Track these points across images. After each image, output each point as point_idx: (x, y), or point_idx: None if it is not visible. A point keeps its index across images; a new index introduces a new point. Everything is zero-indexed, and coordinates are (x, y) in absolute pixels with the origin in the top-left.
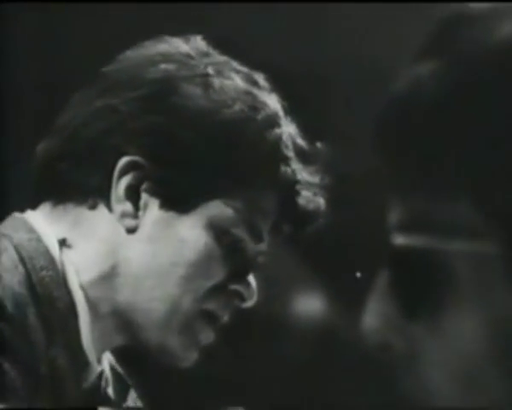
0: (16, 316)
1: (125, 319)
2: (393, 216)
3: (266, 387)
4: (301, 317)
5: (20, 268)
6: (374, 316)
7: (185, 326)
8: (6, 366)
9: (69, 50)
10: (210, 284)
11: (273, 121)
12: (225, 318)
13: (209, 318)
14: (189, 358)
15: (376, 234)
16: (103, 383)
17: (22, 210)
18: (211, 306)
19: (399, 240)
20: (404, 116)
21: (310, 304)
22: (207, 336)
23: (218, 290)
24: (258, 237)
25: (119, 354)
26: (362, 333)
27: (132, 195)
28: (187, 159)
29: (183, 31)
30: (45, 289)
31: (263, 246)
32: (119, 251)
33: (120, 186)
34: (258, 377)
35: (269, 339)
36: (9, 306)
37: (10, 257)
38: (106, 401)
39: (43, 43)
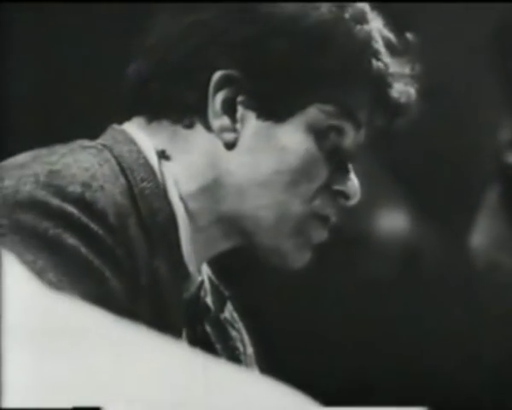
0: (118, 226)
1: (235, 226)
2: (505, 133)
3: (351, 302)
4: (387, 234)
5: (122, 179)
6: (483, 234)
7: (297, 229)
8: (108, 274)
9: (69, 50)
10: (314, 186)
11: (361, 17)
12: (333, 218)
13: (318, 218)
14: (303, 258)
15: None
16: (202, 293)
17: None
18: (318, 207)
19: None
20: None
21: (397, 222)
22: (320, 234)
23: (323, 191)
24: (357, 123)
25: (216, 265)
26: (470, 252)
27: (229, 108)
28: (280, 67)
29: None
30: (146, 201)
31: (361, 135)
32: (219, 164)
33: (217, 101)
34: (343, 292)
35: (353, 256)
36: (111, 216)
37: (111, 168)
38: (205, 310)
39: (43, 42)
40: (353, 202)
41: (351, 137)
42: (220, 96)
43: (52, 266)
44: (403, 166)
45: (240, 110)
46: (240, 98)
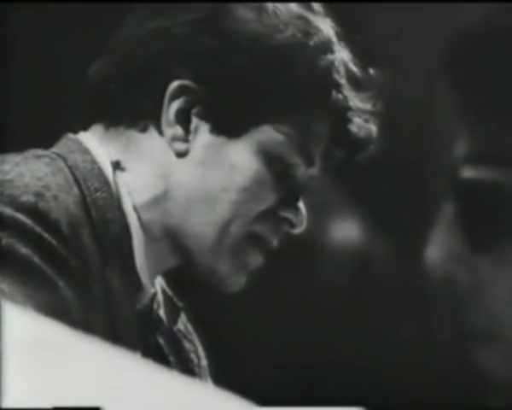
0: (71, 235)
1: (177, 243)
2: (460, 148)
3: (303, 312)
4: (340, 243)
5: (75, 189)
6: (438, 248)
7: (235, 249)
8: (61, 284)
9: (69, 50)
10: (260, 208)
11: (325, 47)
12: (274, 242)
13: (257, 241)
14: (238, 282)
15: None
16: (155, 305)
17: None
18: (260, 229)
19: (467, 173)
20: (477, 45)
21: (349, 230)
22: (256, 259)
23: (268, 215)
24: (309, 161)
25: (169, 277)
26: (425, 264)
27: (183, 118)
28: (238, 83)
29: None
30: (99, 211)
31: (314, 170)
32: (170, 175)
33: (171, 110)
34: (298, 300)
35: (307, 264)
36: (64, 225)
37: (65, 178)
38: (158, 322)
39: (43, 42)
40: (298, 230)
41: (302, 171)
42: (175, 106)
43: (5, 277)
44: (359, 179)
45: (194, 122)
46: (195, 110)
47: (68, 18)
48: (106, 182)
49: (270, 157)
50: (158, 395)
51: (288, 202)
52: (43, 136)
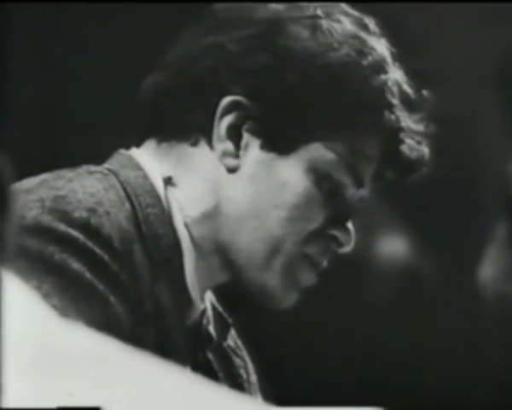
0: (122, 251)
1: (227, 258)
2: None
3: (352, 328)
4: (386, 259)
5: (127, 205)
6: (492, 266)
7: (286, 267)
8: (112, 299)
9: (69, 50)
10: (310, 227)
11: (379, 67)
12: (324, 262)
13: (309, 261)
14: (289, 299)
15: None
16: (205, 320)
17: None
18: (311, 250)
19: None
20: None
21: (395, 246)
22: (308, 277)
23: (318, 234)
24: (359, 182)
25: (219, 292)
26: (477, 282)
27: (234, 134)
28: (290, 100)
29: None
30: (151, 227)
31: (364, 192)
32: (220, 190)
33: (222, 125)
34: (347, 318)
35: (356, 281)
36: (116, 241)
37: (117, 194)
38: (207, 338)
39: (43, 42)
40: (346, 250)
41: (351, 191)
42: (226, 121)
43: (57, 291)
44: (408, 196)
45: (245, 138)
46: (246, 126)
47: (121, 30)
48: (157, 198)
49: (320, 175)
50: None
51: (337, 221)
52: (97, 152)
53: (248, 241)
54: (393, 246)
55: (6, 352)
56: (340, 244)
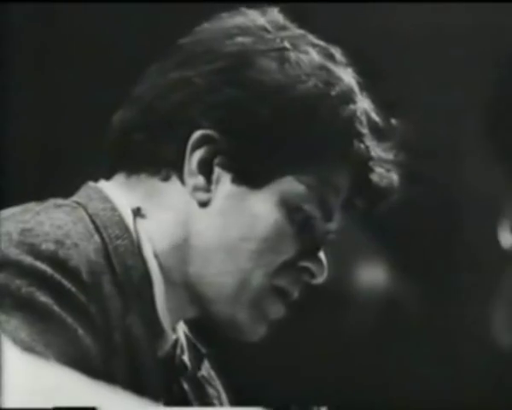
0: (91, 283)
1: (196, 292)
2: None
3: (331, 357)
4: (365, 288)
5: (96, 237)
6: (504, 316)
7: (255, 301)
8: (81, 332)
9: (69, 50)
10: (281, 259)
11: (347, 97)
12: (295, 294)
13: (279, 293)
14: (258, 332)
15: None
16: (178, 350)
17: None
18: (281, 282)
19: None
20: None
21: (374, 275)
22: (277, 310)
23: (289, 266)
24: (328, 216)
25: (192, 323)
26: (493, 332)
27: (205, 168)
28: (260, 133)
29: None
30: (120, 258)
31: (333, 225)
32: (190, 223)
33: (193, 159)
34: (324, 347)
35: (333, 309)
36: (84, 273)
37: (85, 226)
38: (182, 368)
39: (43, 42)
40: (319, 281)
41: (321, 224)
42: (197, 155)
43: (25, 325)
44: (386, 224)
45: (216, 172)
46: (217, 160)
47: (92, 64)
48: (126, 229)
49: (291, 208)
50: None
51: (309, 252)
52: (64, 185)
53: (217, 274)
54: (369, 275)
55: None
56: (313, 275)
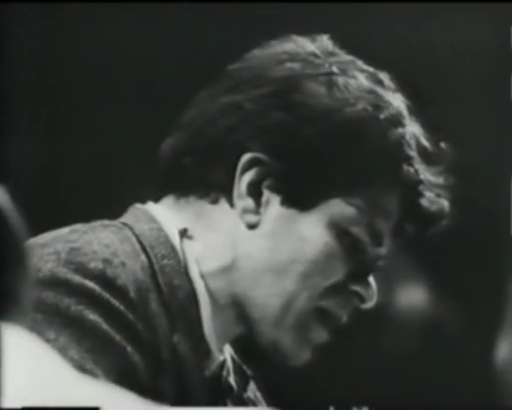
0: (138, 301)
1: (242, 311)
2: None
3: (372, 380)
4: (406, 310)
5: (142, 257)
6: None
7: (299, 324)
8: (129, 349)
9: (69, 50)
10: (328, 282)
11: (396, 121)
12: (344, 318)
13: (324, 316)
14: (301, 356)
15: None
16: (225, 372)
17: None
18: (328, 304)
19: None
20: None
21: (415, 297)
22: (320, 335)
23: (338, 290)
24: (378, 241)
25: (237, 345)
26: (496, 366)
27: (254, 191)
28: (309, 156)
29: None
30: (166, 278)
31: (383, 250)
32: (239, 245)
33: (243, 182)
34: (364, 370)
35: (374, 332)
36: (132, 291)
37: (132, 246)
38: (228, 390)
39: (43, 42)
40: (368, 305)
41: (371, 250)
42: (247, 178)
43: (74, 343)
44: (430, 247)
45: (265, 194)
46: (266, 182)
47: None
48: (173, 249)
49: (340, 231)
50: None
51: (358, 276)
52: (113, 208)
53: (264, 295)
54: (413, 297)
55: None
56: (363, 300)
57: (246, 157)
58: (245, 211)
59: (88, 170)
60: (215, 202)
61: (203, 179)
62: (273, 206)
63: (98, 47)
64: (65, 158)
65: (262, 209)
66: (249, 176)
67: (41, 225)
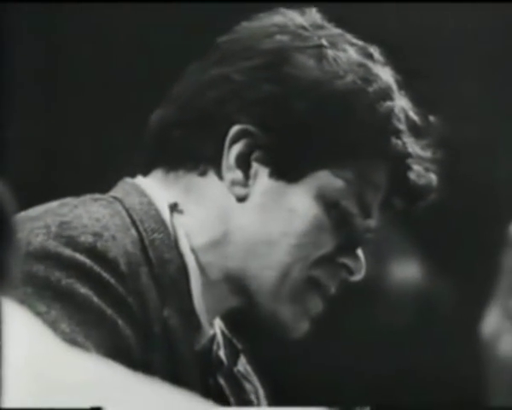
0: (129, 274)
1: (239, 284)
2: None
3: (364, 355)
4: (399, 284)
5: (133, 230)
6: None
7: (295, 294)
8: (120, 323)
9: (69, 50)
10: (319, 253)
11: (385, 94)
12: (332, 289)
13: (316, 285)
14: (300, 328)
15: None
16: (215, 346)
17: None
18: (319, 274)
19: None
20: None
21: (407, 272)
22: (316, 304)
23: (327, 261)
24: (367, 213)
25: (228, 319)
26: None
27: (243, 163)
28: (297, 128)
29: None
30: (157, 251)
31: (372, 222)
32: (229, 218)
33: (231, 154)
34: (356, 343)
35: (366, 308)
36: (123, 264)
37: (122, 219)
38: (218, 363)
39: (43, 42)
40: (357, 278)
41: (359, 221)
42: (235, 150)
43: (65, 317)
44: (421, 221)
45: (254, 166)
46: (255, 154)
47: (131, 64)
48: (163, 223)
49: (329, 203)
50: None
51: (347, 248)
52: (102, 181)
53: (258, 267)
54: (405, 272)
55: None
56: (351, 272)
57: (234, 129)
58: (234, 183)
59: (81, 146)
60: (204, 174)
61: (192, 151)
62: (262, 178)
63: (95, 37)
64: (60, 136)
65: (251, 182)
66: (238, 148)
67: (34, 198)
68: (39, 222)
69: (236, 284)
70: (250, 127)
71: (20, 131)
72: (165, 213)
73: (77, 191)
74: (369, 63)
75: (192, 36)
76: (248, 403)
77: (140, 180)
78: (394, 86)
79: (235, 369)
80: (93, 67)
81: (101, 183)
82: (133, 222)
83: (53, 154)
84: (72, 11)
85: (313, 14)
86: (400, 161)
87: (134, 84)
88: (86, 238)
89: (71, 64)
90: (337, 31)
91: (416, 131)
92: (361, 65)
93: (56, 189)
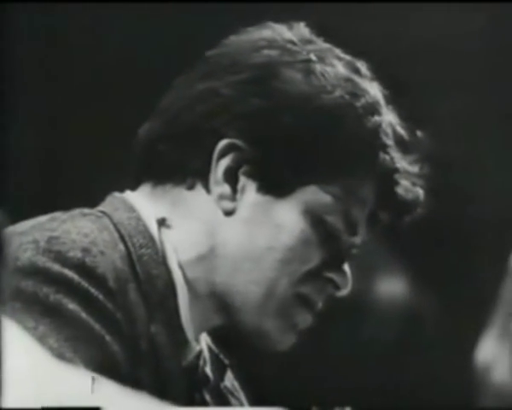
0: (117, 290)
1: (223, 301)
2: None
3: (351, 369)
4: (384, 300)
5: (121, 246)
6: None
7: (281, 310)
8: (108, 338)
9: (69, 50)
10: (305, 268)
11: (373, 109)
12: (319, 304)
13: (303, 301)
14: (286, 341)
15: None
16: (201, 362)
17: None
18: (305, 290)
19: None
20: None
21: (393, 287)
22: (304, 319)
23: (313, 276)
24: (353, 230)
25: (215, 334)
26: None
27: (230, 177)
28: (285, 143)
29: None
30: (145, 267)
31: (357, 239)
32: (216, 233)
33: (219, 168)
34: (343, 359)
35: (352, 322)
36: (111, 280)
37: (110, 235)
38: (204, 379)
39: (43, 42)
40: (343, 293)
41: (345, 239)
42: (223, 164)
43: (53, 332)
44: (408, 237)
45: (241, 180)
46: (242, 169)
47: (121, 78)
48: (151, 238)
49: (315, 218)
50: None
51: (333, 263)
52: (90, 196)
53: (244, 283)
54: (391, 286)
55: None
56: (337, 287)
57: (222, 143)
58: (221, 197)
59: (69, 158)
60: (191, 188)
61: (179, 166)
62: (249, 192)
63: (97, 41)
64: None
65: (238, 196)
66: (226, 162)
67: (23, 212)
68: (28, 237)
69: (221, 300)
70: (238, 141)
71: (13, 138)
72: (154, 229)
73: (65, 205)
74: (357, 78)
75: (190, 42)
76: None
77: (128, 195)
78: (382, 101)
79: (221, 385)
80: (87, 71)
81: (90, 196)
82: (121, 237)
83: (42, 165)
84: (72, 11)
85: (301, 29)
86: (388, 175)
87: (130, 88)
88: (75, 254)
89: (71, 64)
90: (325, 45)
91: (403, 146)
92: (348, 80)
93: (46, 202)
